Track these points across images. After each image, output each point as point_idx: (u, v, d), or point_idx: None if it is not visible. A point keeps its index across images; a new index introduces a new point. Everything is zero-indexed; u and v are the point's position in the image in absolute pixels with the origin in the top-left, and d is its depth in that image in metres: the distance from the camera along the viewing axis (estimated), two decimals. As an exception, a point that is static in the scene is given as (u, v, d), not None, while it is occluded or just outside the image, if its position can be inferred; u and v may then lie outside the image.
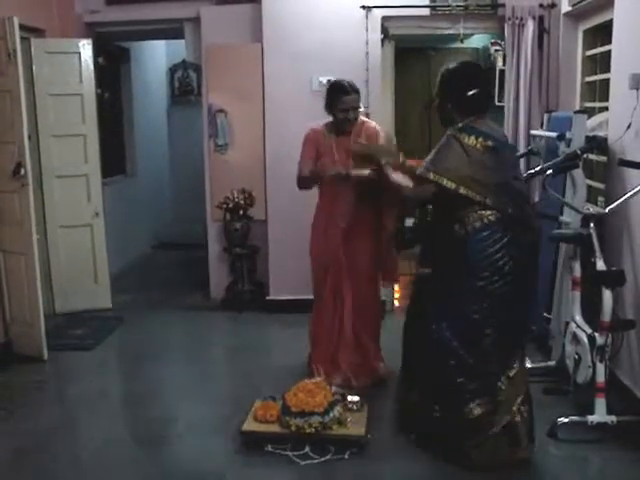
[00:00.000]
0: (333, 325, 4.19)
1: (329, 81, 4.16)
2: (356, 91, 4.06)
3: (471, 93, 3.28)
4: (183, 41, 6.19)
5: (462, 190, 3.15)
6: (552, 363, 4.19)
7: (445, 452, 3.31)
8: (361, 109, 4.20)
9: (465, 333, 3.22)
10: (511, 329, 3.26)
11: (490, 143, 3.21)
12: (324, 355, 4.20)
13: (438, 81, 3.45)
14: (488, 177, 3.19)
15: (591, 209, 3.82)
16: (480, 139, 3.21)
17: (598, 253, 3.56)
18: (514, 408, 3.21)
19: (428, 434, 3.41)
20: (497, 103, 8.04)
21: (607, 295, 3.45)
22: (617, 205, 3.66)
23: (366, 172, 3.89)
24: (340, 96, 4.03)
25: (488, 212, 3.18)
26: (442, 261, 3.34)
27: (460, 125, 3.25)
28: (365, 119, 4.27)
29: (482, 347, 3.20)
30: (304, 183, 4.20)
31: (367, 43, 5.29)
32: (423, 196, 3.36)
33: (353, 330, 4.18)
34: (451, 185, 3.15)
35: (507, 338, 3.24)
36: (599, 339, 3.47)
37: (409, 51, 7.59)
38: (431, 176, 3.19)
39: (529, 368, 4.15)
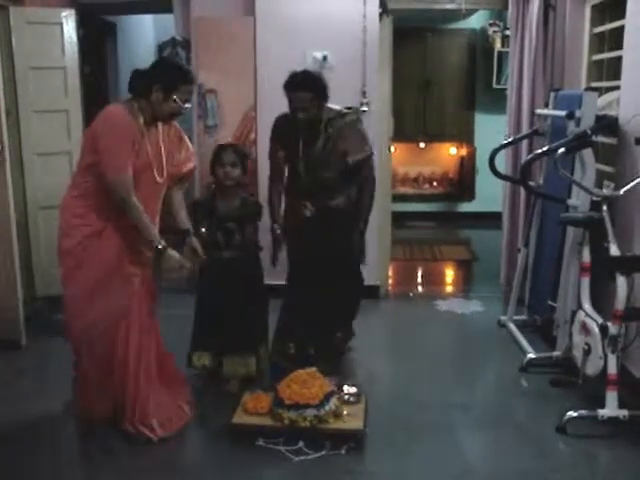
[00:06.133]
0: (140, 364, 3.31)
1: (165, 58, 3.44)
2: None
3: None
4: (171, 16, 5.94)
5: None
6: (557, 353, 4.00)
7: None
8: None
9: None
10: None
11: None
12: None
13: (311, 91, 3.70)
14: None
15: (605, 191, 3.62)
16: None
17: (612, 237, 3.36)
18: None
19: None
20: (495, 86, 7.96)
21: (621, 282, 3.25)
22: (631, 187, 3.47)
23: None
24: (185, 84, 3.20)
25: None
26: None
27: (348, 110, 3.86)
28: None
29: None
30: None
31: (365, 17, 5.04)
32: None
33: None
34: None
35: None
36: (612, 329, 3.27)
37: (405, 32, 7.39)
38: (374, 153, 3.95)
39: (533, 358, 4.02)
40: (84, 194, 3.19)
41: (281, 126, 3.95)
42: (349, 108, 3.92)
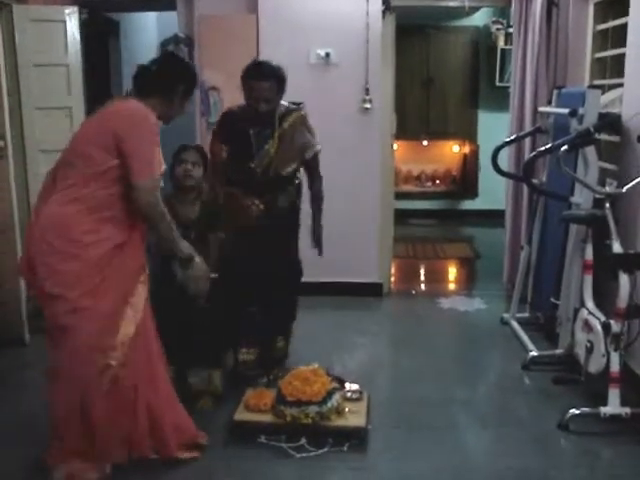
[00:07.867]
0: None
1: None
2: None
3: None
4: (174, 14, 5.93)
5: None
6: (560, 351, 4.00)
7: None
8: None
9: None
10: None
11: None
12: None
13: (275, 81, 3.60)
14: None
15: (607, 188, 3.62)
16: None
17: (615, 235, 3.36)
18: None
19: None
20: (498, 83, 7.96)
21: (624, 279, 3.25)
22: (634, 185, 3.46)
23: None
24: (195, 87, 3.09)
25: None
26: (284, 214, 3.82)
27: (295, 106, 3.78)
28: None
29: None
30: None
31: (367, 14, 5.04)
32: None
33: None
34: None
35: None
36: (614, 326, 3.27)
37: (408, 29, 7.38)
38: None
39: (535, 356, 4.01)
40: (95, 206, 2.74)
41: (227, 122, 3.79)
42: (295, 104, 3.80)
